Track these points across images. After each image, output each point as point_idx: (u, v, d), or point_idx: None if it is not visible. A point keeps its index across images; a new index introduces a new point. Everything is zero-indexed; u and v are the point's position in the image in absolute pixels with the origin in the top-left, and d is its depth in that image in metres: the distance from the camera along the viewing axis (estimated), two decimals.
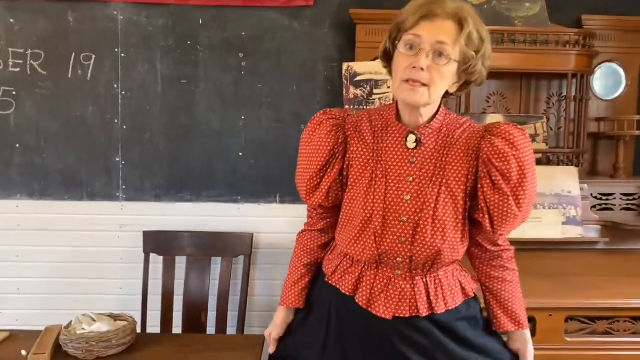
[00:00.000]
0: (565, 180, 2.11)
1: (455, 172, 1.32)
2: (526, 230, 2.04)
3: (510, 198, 1.28)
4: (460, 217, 1.34)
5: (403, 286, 1.36)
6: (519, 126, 1.33)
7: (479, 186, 1.30)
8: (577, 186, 2.11)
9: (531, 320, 1.88)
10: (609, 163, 2.37)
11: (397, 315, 1.36)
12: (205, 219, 2.31)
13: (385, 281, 1.38)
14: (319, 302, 1.50)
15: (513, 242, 2.06)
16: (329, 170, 1.39)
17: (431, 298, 1.37)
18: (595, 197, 2.21)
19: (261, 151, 2.33)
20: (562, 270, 1.99)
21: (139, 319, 2.12)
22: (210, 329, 2.22)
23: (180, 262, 2.25)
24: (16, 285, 2.30)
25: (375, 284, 1.38)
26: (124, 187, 2.31)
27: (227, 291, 2.21)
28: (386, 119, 1.38)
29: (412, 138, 1.33)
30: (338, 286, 1.43)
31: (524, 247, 2.07)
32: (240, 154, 2.32)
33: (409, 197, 1.32)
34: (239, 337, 2.03)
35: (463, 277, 1.45)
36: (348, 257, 1.43)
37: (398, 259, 1.35)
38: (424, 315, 1.36)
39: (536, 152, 2.24)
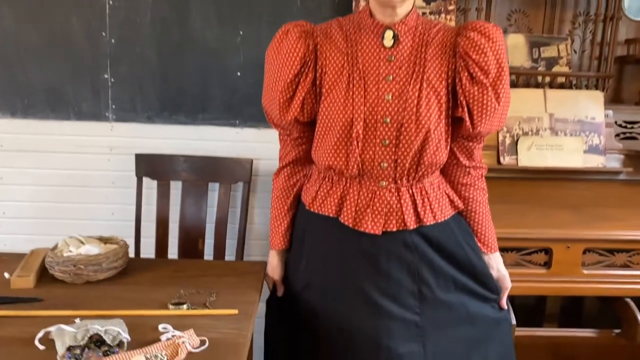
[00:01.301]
0: (589, 105, 1.96)
1: (435, 69, 1.29)
2: (546, 158, 1.92)
3: (490, 89, 1.27)
4: (443, 115, 1.30)
5: (389, 198, 1.32)
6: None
7: (457, 80, 1.28)
8: (601, 112, 1.97)
9: (547, 251, 1.79)
10: (634, 90, 2.22)
11: (385, 229, 1.32)
12: (201, 143, 2.16)
13: (370, 195, 1.33)
14: (298, 234, 1.47)
15: (533, 170, 1.96)
16: (301, 80, 1.32)
17: (418, 210, 1.33)
18: (620, 125, 2.07)
19: (261, 71, 2.12)
20: (582, 201, 1.88)
21: (132, 247, 2.02)
22: (208, 257, 2.13)
23: (176, 188, 2.12)
24: (1, 208, 2.18)
25: (360, 200, 1.33)
26: (113, 106, 2.14)
27: (226, 218, 2.10)
28: (358, 21, 1.32)
29: (389, 34, 1.28)
30: (320, 212, 1.38)
31: (543, 176, 1.96)
32: (239, 73, 2.14)
33: (390, 96, 1.28)
34: (239, 263, 1.93)
35: (449, 190, 1.42)
36: (327, 178, 1.38)
37: (383, 164, 1.29)
38: (412, 227, 1.32)
39: (559, 75, 2.09)
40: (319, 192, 1.39)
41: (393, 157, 1.29)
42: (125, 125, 2.15)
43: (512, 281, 1.80)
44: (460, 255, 1.39)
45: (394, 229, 1.32)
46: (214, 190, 2.15)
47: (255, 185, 2.22)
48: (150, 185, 2.13)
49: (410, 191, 1.33)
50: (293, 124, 1.38)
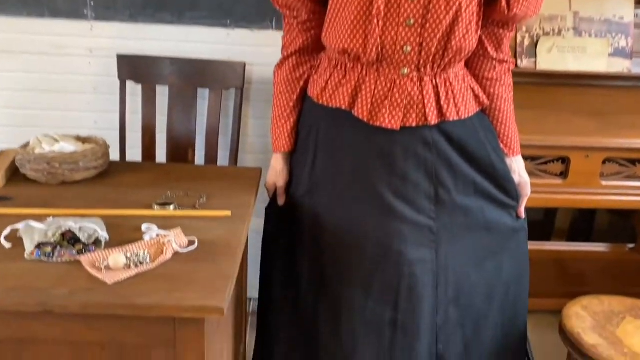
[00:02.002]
0: (618, 3, 1.77)
1: None
2: (567, 62, 1.76)
3: None
4: None
5: (410, 89, 1.17)
6: None
7: None
8: (631, 11, 1.79)
9: (565, 160, 1.66)
10: None
11: (403, 125, 1.18)
12: (189, 45, 1.97)
13: (389, 85, 1.18)
14: (302, 136, 1.33)
15: (552, 74, 1.79)
16: None
17: (441, 103, 1.19)
18: None
19: None
20: (604, 108, 1.74)
21: (116, 157, 1.88)
22: None
23: (162, 94, 1.95)
24: None
25: (377, 90, 1.18)
26: (92, 3, 1.93)
27: (217, 128, 1.94)
28: None
29: None
30: (330, 104, 1.23)
31: (564, 81, 1.80)
32: None
33: None
34: (232, 168, 1.79)
35: (475, 84, 1.27)
36: (340, 66, 1.22)
37: (406, 47, 1.13)
38: (433, 123, 1.19)
39: None
40: (329, 82, 1.23)
41: (418, 39, 1.14)
42: (106, 24, 1.94)
43: None
44: (482, 156, 1.26)
45: (414, 124, 1.19)
46: (204, 99, 1.98)
47: (249, 93, 2.05)
48: (134, 92, 1.96)
49: (434, 81, 1.19)
50: (302, 2, 1.21)
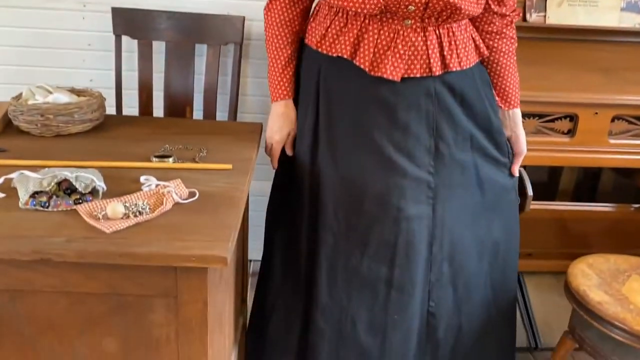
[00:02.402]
0: None
1: None
2: (578, 16, 1.70)
3: None
4: None
5: (414, 39, 1.13)
6: None
7: None
8: None
9: (573, 118, 1.62)
10: None
11: (406, 75, 1.14)
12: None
13: (392, 35, 1.13)
14: (300, 87, 1.29)
15: (562, 29, 1.73)
16: None
17: (445, 53, 1.15)
18: None
19: None
20: (615, 64, 1.69)
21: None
22: None
23: (159, 51, 1.89)
24: None
25: (380, 40, 1.13)
26: None
27: (215, 85, 1.89)
28: None
29: None
30: (330, 52, 1.18)
31: (573, 36, 1.75)
32: None
33: None
34: (232, 123, 1.74)
35: (475, 33, 1.24)
36: (341, 13, 1.16)
37: (410, 7, 1.09)
38: (437, 73, 1.16)
39: None
40: (330, 30, 1.18)
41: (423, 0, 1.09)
42: None
43: (532, 150, 1.65)
44: (480, 108, 1.24)
45: (417, 75, 1.15)
46: (201, 55, 1.92)
47: (248, 50, 1.99)
48: (130, 48, 1.90)
49: (437, 32, 1.15)
50: None
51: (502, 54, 1.27)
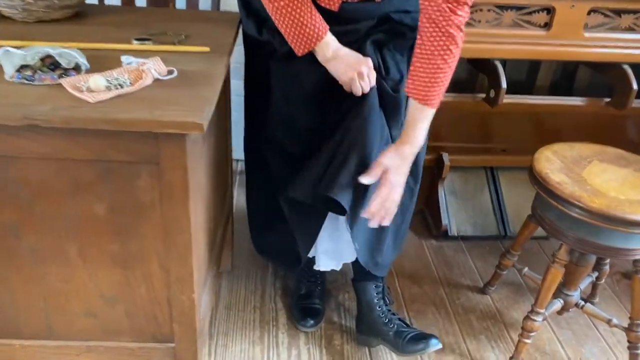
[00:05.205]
0: None
1: None
2: None
3: None
4: None
5: None
6: None
7: None
8: None
9: (550, 11, 1.64)
10: None
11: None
12: None
13: None
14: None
15: None
16: None
17: None
18: None
19: None
20: None
21: None
22: None
23: None
24: None
25: None
26: None
27: None
28: None
29: None
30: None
31: None
32: None
33: None
34: (213, 12, 1.76)
35: None
36: None
37: None
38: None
39: None
40: None
41: None
42: None
43: (508, 43, 1.69)
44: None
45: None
46: None
47: None
48: None
49: None
50: None
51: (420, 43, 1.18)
